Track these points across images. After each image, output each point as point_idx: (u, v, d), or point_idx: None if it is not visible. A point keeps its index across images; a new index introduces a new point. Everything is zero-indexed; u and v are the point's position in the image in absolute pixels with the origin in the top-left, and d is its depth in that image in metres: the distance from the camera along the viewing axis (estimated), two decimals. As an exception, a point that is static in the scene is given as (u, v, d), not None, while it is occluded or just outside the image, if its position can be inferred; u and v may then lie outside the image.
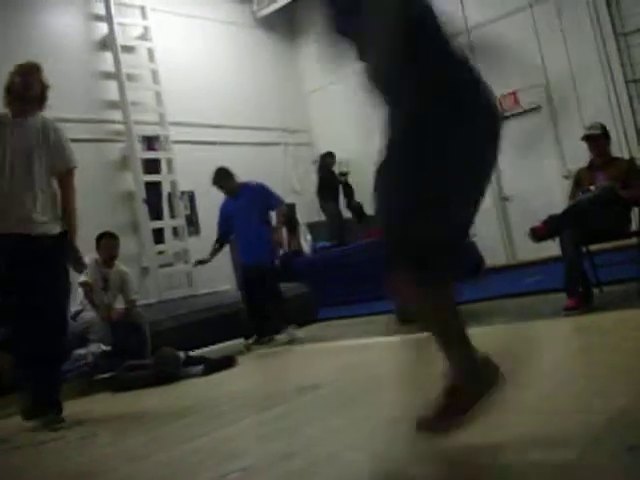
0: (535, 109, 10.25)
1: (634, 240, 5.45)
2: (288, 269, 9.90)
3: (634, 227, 5.68)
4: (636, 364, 2.90)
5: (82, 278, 6.16)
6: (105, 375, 5.70)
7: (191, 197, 10.33)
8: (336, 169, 11.57)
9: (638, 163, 5.98)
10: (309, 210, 11.81)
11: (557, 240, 5.29)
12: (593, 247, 5.46)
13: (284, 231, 10.43)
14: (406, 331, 3.09)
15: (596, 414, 2.26)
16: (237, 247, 7.46)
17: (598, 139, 5.77)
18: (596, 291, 5.41)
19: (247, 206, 6.99)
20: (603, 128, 5.85)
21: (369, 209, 11.24)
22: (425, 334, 2.27)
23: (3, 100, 4.33)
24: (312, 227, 11.37)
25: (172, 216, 10.00)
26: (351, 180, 11.51)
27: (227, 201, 7.28)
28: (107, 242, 6.72)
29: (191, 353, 5.83)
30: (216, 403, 4.09)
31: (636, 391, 2.46)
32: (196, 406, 4.12)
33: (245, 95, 11.78)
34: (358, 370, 4.31)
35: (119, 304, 6.75)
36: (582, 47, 9.75)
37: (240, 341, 6.62)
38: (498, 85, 2.45)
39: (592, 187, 5.47)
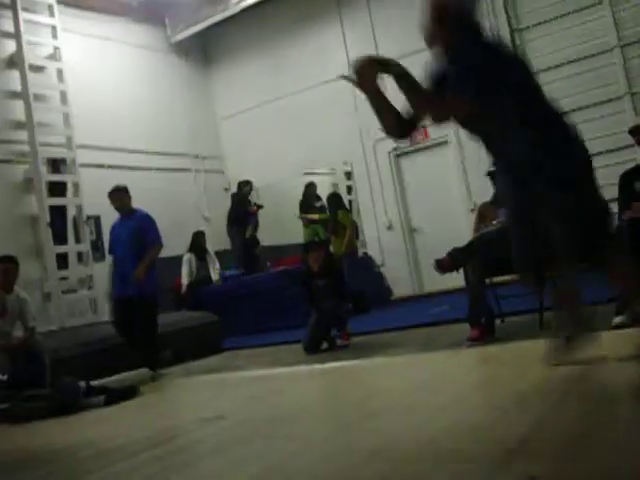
0: (443, 143, 10.53)
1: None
2: (195, 298, 9.77)
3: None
4: (535, 395, 2.97)
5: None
6: (1, 406, 5.43)
7: (97, 222, 10.07)
8: (253, 197, 11.59)
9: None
10: (219, 238, 11.71)
11: (462, 271, 5.42)
12: (496, 279, 5.60)
13: (193, 259, 10.32)
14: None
15: (497, 444, 2.28)
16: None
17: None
18: (499, 322, 5.56)
19: (131, 233, 6.81)
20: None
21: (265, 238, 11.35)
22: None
23: None
24: (221, 255, 11.27)
25: (77, 241, 9.71)
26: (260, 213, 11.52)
27: (116, 223, 7.07)
28: (5, 267, 6.42)
29: (93, 383, 5.63)
30: (113, 436, 3.95)
31: (536, 421, 2.50)
32: (92, 440, 3.96)
33: (157, 120, 11.65)
34: (264, 401, 4.25)
35: (18, 331, 6.47)
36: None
37: (144, 370, 6.44)
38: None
39: (494, 222, 5.64)
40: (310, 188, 11.32)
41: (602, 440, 2.15)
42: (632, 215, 4.94)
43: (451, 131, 10.45)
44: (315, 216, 10.91)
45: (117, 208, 6.99)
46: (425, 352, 5.25)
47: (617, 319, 4.42)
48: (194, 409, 4.70)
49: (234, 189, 11.83)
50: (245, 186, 11.40)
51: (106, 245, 9.83)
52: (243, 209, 11.25)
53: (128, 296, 6.60)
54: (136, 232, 6.76)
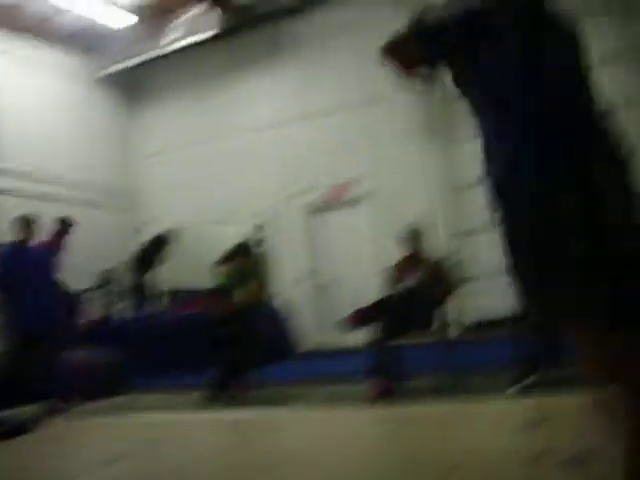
0: (358, 201, 10.76)
1: (437, 336, 5.80)
2: (101, 335, 9.52)
3: (437, 324, 6.04)
4: (431, 455, 3.05)
5: None
6: None
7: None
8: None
9: (447, 264, 6.42)
10: (125, 275, 11.47)
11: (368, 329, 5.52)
12: (402, 339, 5.71)
13: (101, 294, 10.10)
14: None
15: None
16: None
17: (410, 240, 6.18)
18: (401, 383, 5.65)
19: (40, 264, 6.62)
20: (415, 231, 6.26)
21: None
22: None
23: None
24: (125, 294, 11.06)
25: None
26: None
27: (13, 253, 6.66)
28: None
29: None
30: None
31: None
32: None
33: (73, 150, 11.46)
34: (155, 449, 4.18)
35: None
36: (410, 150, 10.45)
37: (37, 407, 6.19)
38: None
39: (403, 283, 5.80)
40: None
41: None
42: None
43: (368, 190, 10.75)
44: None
45: (23, 238, 6.66)
46: (326, 408, 5.28)
47: (512, 389, 4.56)
48: (88, 451, 4.56)
49: (148, 230, 11.65)
50: (165, 237, 11.25)
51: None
52: (151, 257, 11.08)
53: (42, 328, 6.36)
54: (48, 262, 6.58)
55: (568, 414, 3.61)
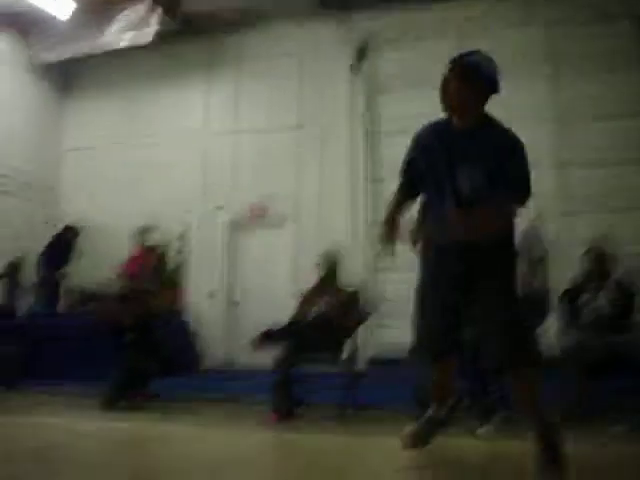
0: (282, 222, 10.74)
1: (344, 366, 5.78)
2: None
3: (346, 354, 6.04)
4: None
5: None
6: None
7: None
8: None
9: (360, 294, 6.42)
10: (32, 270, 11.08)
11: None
12: (305, 365, 5.68)
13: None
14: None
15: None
16: None
17: (325, 265, 6.18)
18: (300, 408, 5.61)
19: None
20: (331, 257, 6.27)
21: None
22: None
23: None
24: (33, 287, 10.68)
25: None
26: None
27: None
28: None
29: None
30: None
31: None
32: None
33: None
34: (34, 453, 4.01)
35: None
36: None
37: None
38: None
39: (315, 307, 5.79)
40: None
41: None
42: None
43: (291, 211, 10.73)
44: None
45: None
46: (221, 427, 5.19)
47: (482, 429, 4.51)
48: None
49: (59, 225, 11.32)
50: (71, 230, 11.00)
51: None
52: (62, 252, 10.79)
53: None
54: None
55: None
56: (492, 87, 3.20)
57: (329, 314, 5.75)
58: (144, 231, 9.06)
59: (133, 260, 7.55)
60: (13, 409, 6.22)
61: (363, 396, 5.67)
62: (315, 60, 10.97)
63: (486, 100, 3.20)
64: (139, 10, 11.06)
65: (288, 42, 11.12)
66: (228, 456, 3.86)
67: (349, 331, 5.88)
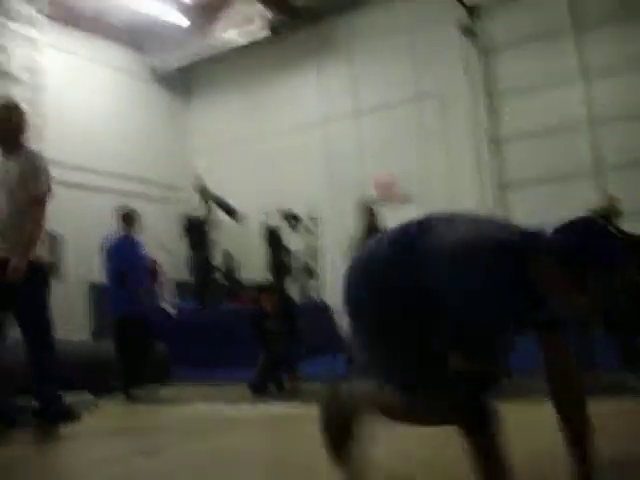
0: (406, 199, 10.70)
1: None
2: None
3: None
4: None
5: None
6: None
7: (57, 241, 9.92)
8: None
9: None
10: (177, 269, 11.60)
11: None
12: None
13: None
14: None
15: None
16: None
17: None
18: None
19: (133, 255, 6.91)
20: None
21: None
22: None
23: None
24: (180, 286, 11.17)
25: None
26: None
27: (117, 245, 7.04)
28: None
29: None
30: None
31: None
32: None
33: (128, 144, 11.67)
34: (202, 440, 4.21)
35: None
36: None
37: (87, 396, 6.27)
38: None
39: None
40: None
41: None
42: None
43: (417, 187, 10.64)
44: None
45: (127, 229, 7.07)
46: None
47: None
48: (126, 441, 4.59)
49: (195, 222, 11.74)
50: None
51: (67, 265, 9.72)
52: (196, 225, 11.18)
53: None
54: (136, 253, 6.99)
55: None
56: None
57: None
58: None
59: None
60: (171, 400, 6.55)
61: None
62: (426, 30, 10.82)
63: None
64: (250, 8, 11.32)
65: (397, 16, 11.02)
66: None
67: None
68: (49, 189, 4.65)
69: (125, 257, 6.95)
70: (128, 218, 7.11)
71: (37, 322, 4.44)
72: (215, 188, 12.33)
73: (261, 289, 7.08)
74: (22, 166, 4.45)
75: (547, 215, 3.28)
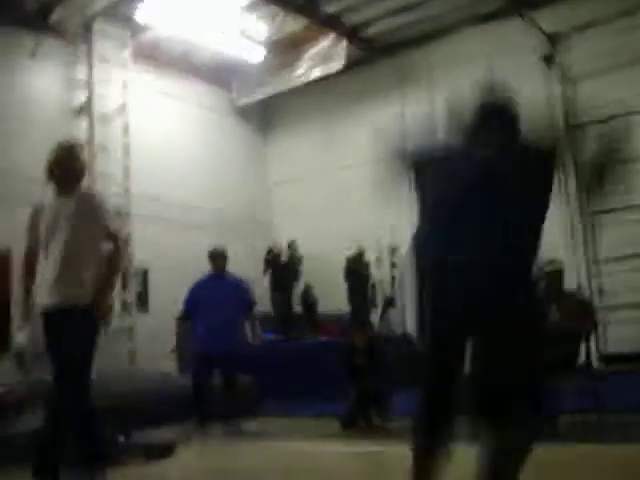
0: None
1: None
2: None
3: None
4: None
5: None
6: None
7: (144, 275, 10.20)
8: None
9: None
10: (259, 301, 11.71)
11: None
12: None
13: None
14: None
15: None
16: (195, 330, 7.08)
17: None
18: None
19: (228, 293, 6.95)
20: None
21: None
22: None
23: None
24: (261, 318, 11.28)
25: (123, 290, 9.82)
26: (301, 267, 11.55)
27: (203, 282, 7.17)
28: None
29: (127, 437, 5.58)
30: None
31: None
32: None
33: (212, 179, 11.95)
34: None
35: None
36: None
37: (181, 427, 6.37)
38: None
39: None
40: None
41: None
42: None
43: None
44: None
45: (216, 270, 7.12)
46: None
47: None
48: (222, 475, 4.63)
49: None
50: (273, 248, 11.47)
51: (152, 298, 9.96)
52: (278, 269, 11.30)
53: (227, 350, 6.74)
54: (239, 292, 7.05)
55: None
56: None
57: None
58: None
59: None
60: (268, 435, 6.56)
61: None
62: (505, 59, 10.72)
63: None
64: (325, 44, 11.49)
65: (476, 44, 10.96)
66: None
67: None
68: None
69: (231, 300, 6.98)
70: (220, 257, 7.15)
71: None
72: (295, 220, 12.49)
73: (351, 324, 7.08)
74: (80, 206, 3.93)
75: None
